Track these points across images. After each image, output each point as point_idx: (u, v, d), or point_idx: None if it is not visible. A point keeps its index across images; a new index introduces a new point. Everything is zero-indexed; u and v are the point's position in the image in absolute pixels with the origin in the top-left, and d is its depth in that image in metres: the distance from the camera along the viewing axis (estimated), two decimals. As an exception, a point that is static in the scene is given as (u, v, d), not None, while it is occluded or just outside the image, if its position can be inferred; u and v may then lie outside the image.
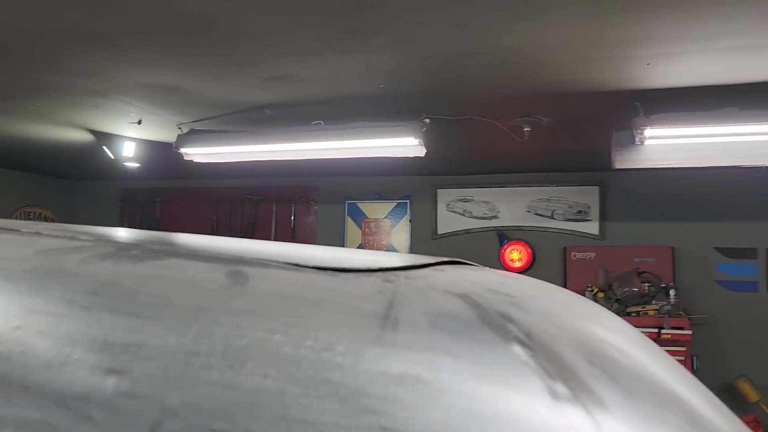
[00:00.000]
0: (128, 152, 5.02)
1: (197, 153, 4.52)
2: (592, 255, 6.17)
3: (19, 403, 0.47)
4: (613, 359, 0.57)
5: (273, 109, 3.95)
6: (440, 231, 6.67)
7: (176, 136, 4.44)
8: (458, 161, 5.90)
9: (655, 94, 3.41)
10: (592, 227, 6.28)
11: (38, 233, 0.69)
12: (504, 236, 6.45)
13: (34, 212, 7.57)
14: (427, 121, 3.96)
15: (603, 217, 6.25)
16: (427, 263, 0.78)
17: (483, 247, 6.45)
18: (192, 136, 4.41)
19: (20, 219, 7.27)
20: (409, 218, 6.78)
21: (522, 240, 6.39)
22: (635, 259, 5.96)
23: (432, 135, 4.15)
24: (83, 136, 5.05)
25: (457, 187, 6.61)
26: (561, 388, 0.49)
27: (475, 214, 6.58)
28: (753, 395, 5.33)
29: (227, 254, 0.67)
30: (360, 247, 6.85)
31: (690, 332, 5.26)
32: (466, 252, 6.25)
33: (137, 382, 0.48)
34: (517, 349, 0.52)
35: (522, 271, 6.30)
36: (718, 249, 5.86)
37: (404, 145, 4.02)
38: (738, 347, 5.66)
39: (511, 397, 0.48)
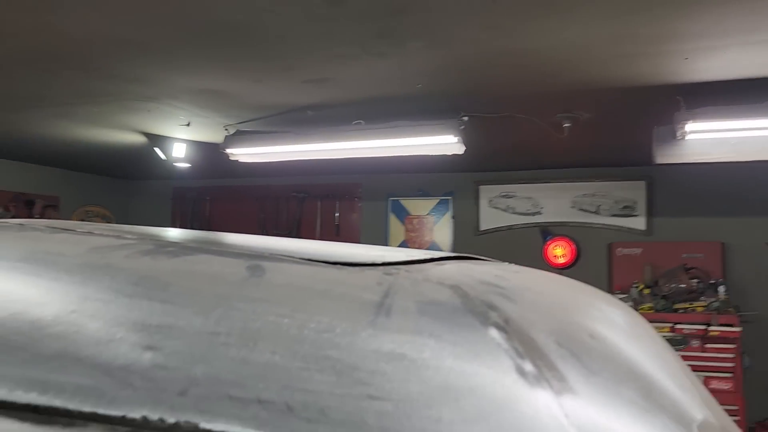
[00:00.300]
0: (178, 153, 5.24)
1: (243, 153, 4.68)
2: (639, 251, 6.09)
3: (74, 372, 0.58)
4: (584, 343, 0.64)
5: (314, 109, 4.07)
6: (483, 227, 6.69)
7: (223, 137, 4.61)
8: (500, 157, 5.91)
9: (696, 88, 3.38)
10: (638, 223, 6.19)
11: (90, 233, 0.80)
12: (547, 232, 6.43)
13: (93, 211, 7.94)
14: (466, 119, 4.01)
15: (650, 213, 6.16)
16: (432, 258, 0.86)
17: (526, 244, 6.44)
18: (238, 137, 4.58)
19: (81, 217, 7.64)
20: (451, 215, 6.83)
21: (566, 236, 6.36)
22: (683, 255, 5.85)
23: (471, 132, 4.20)
24: (137, 139, 5.29)
25: (500, 183, 6.61)
26: (528, 366, 0.57)
27: (518, 210, 6.57)
28: (807, 395, 5.18)
29: (250, 250, 0.76)
30: (403, 244, 6.93)
31: (739, 329, 5.14)
32: (509, 248, 6.25)
33: (168, 357, 0.58)
34: (494, 333, 0.60)
35: (566, 267, 6.26)
36: (770, 244, 5.70)
37: (443, 143, 4.08)
38: (791, 345, 5.51)
39: (483, 372, 0.56)
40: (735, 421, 0.76)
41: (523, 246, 6.41)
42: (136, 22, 2.73)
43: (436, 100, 3.81)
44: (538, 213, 6.51)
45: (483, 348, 0.58)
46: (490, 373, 0.56)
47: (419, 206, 6.94)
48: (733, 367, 5.11)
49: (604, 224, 6.28)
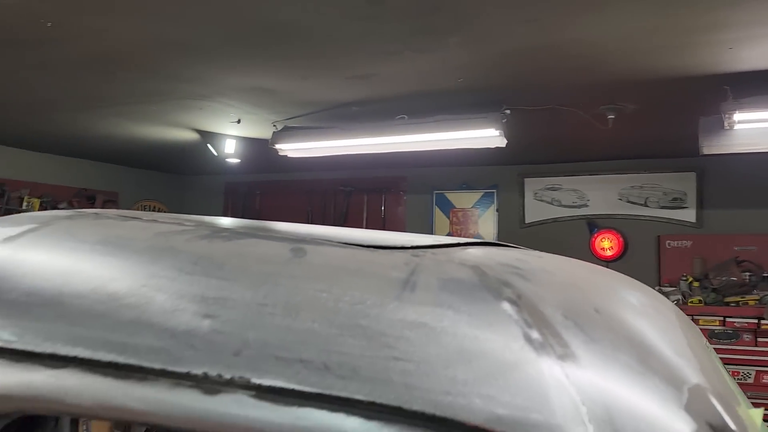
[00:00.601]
0: (229, 149, 5.43)
1: (291, 148, 4.83)
2: (688, 243, 5.98)
3: (146, 335, 0.68)
4: (588, 316, 0.71)
5: (358, 105, 4.17)
6: (528, 220, 6.68)
7: (271, 133, 4.77)
8: (545, 150, 5.90)
9: (743, 78, 3.33)
10: (688, 215, 6.08)
11: (155, 220, 0.91)
12: (594, 225, 6.38)
13: (149, 205, 8.27)
14: (508, 112, 4.04)
15: (700, 205, 6.04)
16: (459, 243, 0.94)
17: (572, 236, 6.41)
18: (286, 132, 4.72)
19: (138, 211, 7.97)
20: (496, 207, 6.84)
21: (613, 228, 6.29)
22: (735, 248, 5.73)
23: (514, 125, 4.23)
24: (190, 136, 5.51)
25: (545, 175, 6.59)
26: (535, 334, 0.64)
27: (563, 202, 6.54)
28: None
29: (293, 235, 0.86)
30: (449, 236, 6.99)
31: (794, 323, 5.02)
32: (554, 240, 6.23)
33: (224, 324, 0.68)
34: (506, 306, 0.68)
35: (613, 259, 6.21)
36: (828, 236, 5.52)
37: (485, 136, 4.12)
38: None
39: (494, 339, 0.64)
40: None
41: (569, 238, 6.38)
42: (189, 25, 2.87)
43: (477, 93, 3.86)
44: (585, 205, 6.46)
45: (495, 318, 0.66)
46: (500, 339, 0.64)
47: (464, 199, 6.98)
48: (786, 361, 5.00)
49: (652, 216, 6.20)
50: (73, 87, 4.05)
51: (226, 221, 0.98)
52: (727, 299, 5.34)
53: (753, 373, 5.04)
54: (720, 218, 5.93)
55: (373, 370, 0.63)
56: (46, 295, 0.74)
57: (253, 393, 0.64)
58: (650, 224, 6.19)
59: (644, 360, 0.65)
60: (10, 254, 0.81)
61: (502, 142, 4.17)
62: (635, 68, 3.32)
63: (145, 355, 0.67)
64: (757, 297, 5.26)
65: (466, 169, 6.86)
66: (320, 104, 4.26)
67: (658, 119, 4.45)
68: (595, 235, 6.33)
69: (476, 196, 6.93)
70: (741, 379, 4.99)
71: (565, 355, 0.63)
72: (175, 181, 8.67)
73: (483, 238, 6.81)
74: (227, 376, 0.65)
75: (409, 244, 0.85)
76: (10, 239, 0.83)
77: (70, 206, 7.05)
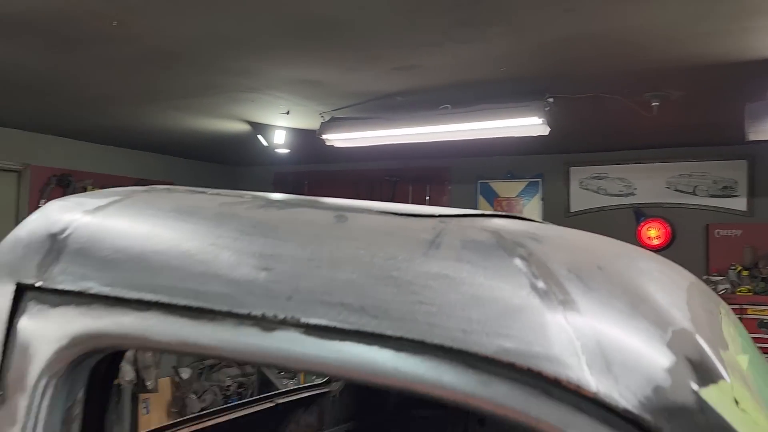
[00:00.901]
0: (279, 140, 5.62)
1: (338, 138, 4.98)
2: (738, 232, 5.88)
3: (215, 284, 0.82)
4: (590, 271, 0.81)
5: (403, 96, 4.28)
6: (573, 209, 6.67)
7: (319, 123, 4.93)
8: (591, 138, 5.89)
9: (790, 62, 3.30)
10: (738, 203, 5.98)
11: (218, 194, 1.06)
12: (641, 213, 6.33)
13: (203, 196, 8.57)
14: (551, 100, 4.09)
15: (752, 193, 5.93)
16: (485, 214, 1.05)
17: (618, 225, 6.37)
18: (333, 123, 4.87)
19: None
20: (541, 196, 6.85)
21: (660, 217, 6.24)
22: (788, 237, 5.61)
23: (558, 113, 4.26)
24: (242, 127, 5.72)
25: (591, 164, 6.57)
26: (540, 284, 0.75)
27: (609, 191, 6.51)
28: None
29: (338, 206, 0.98)
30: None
31: None
32: (600, 229, 6.15)
33: (278, 275, 0.81)
34: (517, 261, 0.79)
35: (660, 248, 6.15)
36: None
37: (528, 124, 4.18)
38: None
39: (505, 287, 0.75)
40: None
41: (614, 227, 6.35)
42: (242, 21, 3.04)
43: (520, 82, 3.92)
44: (631, 194, 6.42)
45: (507, 271, 0.77)
46: (510, 288, 0.75)
47: (508, 188, 7.02)
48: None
49: (701, 205, 6.11)
50: (134, 82, 4.30)
51: (279, 195, 1.11)
52: (779, 289, 5.25)
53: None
54: (773, 207, 5.81)
55: (401, 311, 0.75)
56: (132, 253, 0.89)
57: (303, 330, 0.77)
58: (699, 213, 6.11)
59: (636, 307, 0.76)
60: (100, 220, 0.96)
61: (545, 130, 4.22)
62: (680, 54, 3.32)
63: (213, 300, 0.81)
64: (810, 287, 5.16)
65: (511, 158, 6.89)
66: (366, 95, 4.39)
67: (704, 106, 4.41)
68: (642, 223, 6.28)
69: (521, 185, 6.95)
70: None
71: (565, 300, 0.73)
72: (227, 172, 8.96)
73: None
74: (281, 316, 0.78)
75: (437, 213, 0.96)
76: (99, 208, 0.99)
77: (130, 196, 7.39)
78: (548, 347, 0.69)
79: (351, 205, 1.00)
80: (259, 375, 6.69)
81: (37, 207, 1.02)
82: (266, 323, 0.79)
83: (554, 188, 6.77)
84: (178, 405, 6.73)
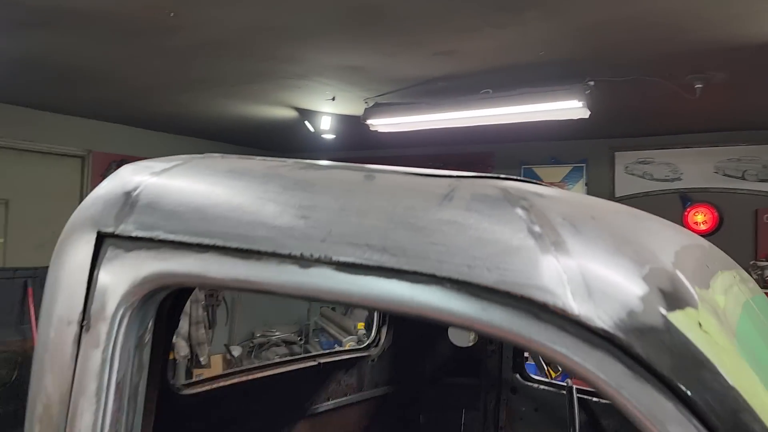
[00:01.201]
0: (325, 125, 5.80)
1: (381, 123, 5.12)
2: (789, 218, 5.77)
3: (261, 230, 0.97)
4: (584, 220, 0.93)
5: (444, 80, 4.38)
6: (618, 194, 6.64)
7: (363, 109, 5.08)
8: (635, 123, 5.86)
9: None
10: (790, 188, 5.86)
11: (265, 159, 1.21)
12: (687, 198, 6.26)
13: (252, 181, 8.86)
14: (591, 83, 4.12)
15: (804, 178, 5.80)
16: (500, 176, 1.18)
17: (663, 210, 6.29)
18: (376, 108, 5.01)
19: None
20: (585, 182, 6.84)
21: (707, 202, 6.16)
22: (842, 223, 5.48)
23: (599, 97, 4.29)
24: (289, 113, 5.93)
25: (637, 149, 6.52)
26: (536, 228, 0.88)
27: (655, 176, 6.45)
28: None
29: (367, 168, 1.12)
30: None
31: None
32: (645, 214, 6.17)
33: (314, 222, 0.96)
34: (518, 210, 0.91)
35: (707, 233, 6.08)
36: None
37: (568, 107, 4.22)
38: None
39: (505, 231, 0.88)
40: None
41: (660, 212, 6.17)
42: (289, 10, 3.21)
43: (560, 66, 3.97)
44: (678, 179, 6.35)
45: (508, 218, 0.90)
46: (509, 231, 0.88)
47: (552, 174, 7.03)
48: None
49: (750, 190, 6.01)
50: (188, 71, 4.53)
51: (317, 161, 1.26)
52: (830, 275, 5.15)
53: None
54: (826, 192, 5.68)
55: (416, 250, 0.88)
56: (192, 206, 1.05)
57: (334, 267, 0.92)
58: (747, 198, 6.01)
59: (620, 248, 0.87)
60: (165, 180, 1.13)
61: (585, 114, 4.25)
62: (718, 36, 3.32)
63: (260, 243, 0.97)
64: None
65: (555, 143, 6.90)
66: (408, 80, 4.51)
67: (750, 88, 4.36)
68: (689, 209, 6.22)
69: (565, 170, 6.96)
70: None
71: (556, 242, 0.86)
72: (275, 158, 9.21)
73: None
74: (316, 255, 0.93)
75: (455, 174, 1.09)
76: (165, 170, 1.15)
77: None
78: (539, 279, 0.82)
79: (379, 168, 1.14)
80: (305, 353, 6.92)
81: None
82: (303, 261, 0.94)
83: (599, 173, 6.76)
84: (229, 381, 7.02)
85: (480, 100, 4.47)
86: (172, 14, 3.26)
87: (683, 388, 0.75)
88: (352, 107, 5.43)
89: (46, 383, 1.10)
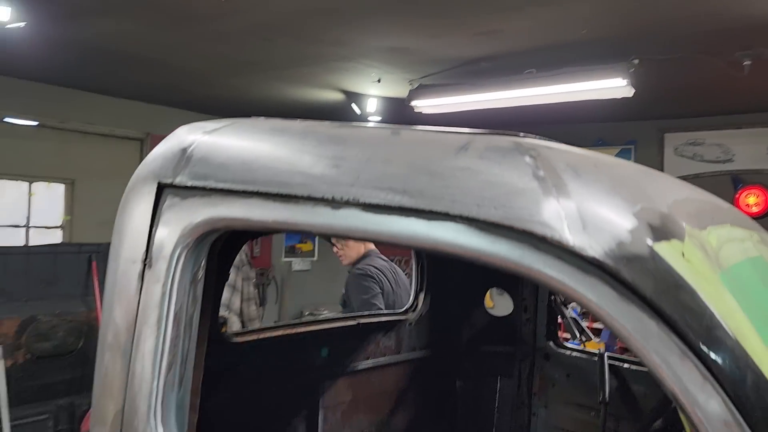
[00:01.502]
0: (371, 108, 5.92)
1: (425, 105, 5.20)
2: None
3: (299, 177, 1.10)
4: (585, 166, 1.02)
5: (487, 61, 4.44)
6: (667, 176, 6.54)
7: (408, 91, 5.17)
8: (685, 103, 5.76)
9: None
10: None
11: (303, 121, 1.34)
12: (739, 180, 6.13)
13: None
14: (636, 62, 4.11)
15: None
16: (518, 134, 1.27)
17: (715, 192, 6.14)
18: (421, 90, 5.10)
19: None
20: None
21: (761, 184, 6.02)
22: None
23: (646, 76, 4.26)
24: (336, 96, 6.07)
25: (687, 130, 6.41)
26: (541, 173, 0.98)
27: (706, 157, 6.33)
28: None
29: (395, 126, 1.24)
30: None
31: None
32: (694, 197, 6.07)
33: (344, 169, 1.08)
34: (527, 158, 1.01)
35: (759, 216, 5.95)
36: None
37: (612, 86, 4.22)
38: None
39: (512, 174, 0.98)
40: None
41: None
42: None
43: (603, 44, 3.97)
44: (729, 160, 6.22)
45: (516, 165, 1.00)
46: (516, 175, 0.98)
47: (599, 156, 6.96)
48: None
49: (806, 172, 5.84)
50: (239, 55, 4.72)
51: (350, 122, 1.39)
52: None
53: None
54: None
55: (432, 192, 1.00)
56: (239, 158, 1.19)
57: (361, 208, 1.04)
58: (804, 180, 5.85)
59: (616, 189, 0.97)
60: (216, 138, 1.27)
61: (629, 92, 4.24)
62: (765, 11, 3.28)
63: (297, 188, 1.10)
64: None
65: (602, 125, 6.83)
66: (452, 61, 4.58)
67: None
68: (740, 190, 6.09)
69: (612, 152, 6.88)
70: None
71: (557, 184, 0.95)
72: (324, 143, 9.41)
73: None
74: (345, 198, 1.05)
75: (475, 131, 1.20)
76: (215, 129, 1.30)
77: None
78: (540, 215, 0.92)
79: (405, 126, 1.25)
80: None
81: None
82: (335, 203, 1.06)
83: (647, 155, 6.66)
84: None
85: (523, 80, 4.50)
86: (224, 0, 3.44)
87: (663, 307, 0.84)
88: (397, 89, 5.53)
89: (115, 315, 1.27)
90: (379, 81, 5.31)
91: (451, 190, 0.99)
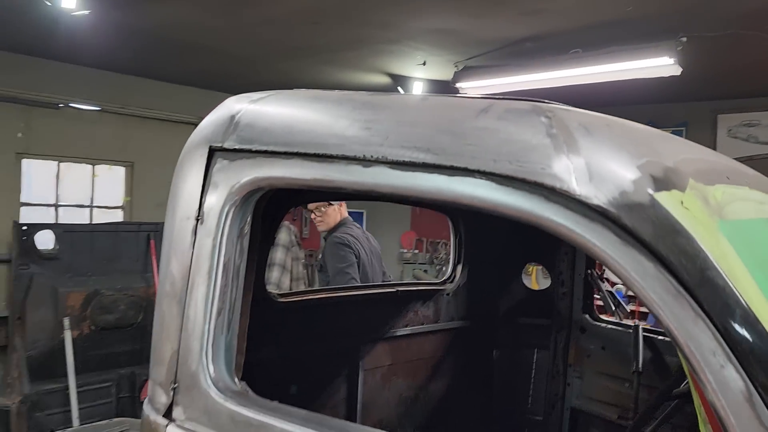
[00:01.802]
0: (416, 91, 6.00)
1: (471, 87, 5.24)
2: None
3: (334, 138, 1.21)
4: (599, 126, 1.10)
5: (532, 41, 4.45)
6: (720, 158, 6.40)
7: (453, 73, 5.22)
8: (740, 83, 5.62)
9: None
10: None
11: (341, 91, 1.45)
12: (796, 163, 5.94)
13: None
14: (684, 39, 4.05)
15: None
16: (542, 100, 1.35)
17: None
18: (466, 72, 5.15)
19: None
20: (684, 146, 6.63)
21: (819, 167, 5.82)
22: None
23: (696, 55, 4.19)
24: (382, 80, 6.17)
25: (742, 111, 6.24)
26: (554, 131, 1.06)
27: (761, 139, 6.16)
28: None
29: (425, 94, 1.33)
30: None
31: None
32: (748, 179, 5.92)
33: (375, 131, 1.18)
34: (542, 119, 1.10)
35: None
36: None
37: (659, 65, 4.18)
38: None
39: (528, 132, 1.07)
40: None
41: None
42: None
43: (649, 21, 3.93)
44: (786, 142, 6.04)
45: (532, 124, 1.08)
46: (531, 134, 1.06)
47: (649, 138, 6.85)
48: None
49: None
50: (288, 39, 4.86)
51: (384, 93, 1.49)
52: None
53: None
54: None
55: (453, 150, 1.09)
56: (281, 123, 1.31)
57: (389, 165, 1.14)
58: None
59: (623, 145, 1.04)
60: (260, 106, 1.39)
61: (676, 71, 4.19)
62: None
63: (332, 149, 1.21)
64: None
65: (652, 106, 6.71)
66: (496, 42, 4.61)
67: None
68: (797, 174, 5.90)
69: (663, 134, 6.76)
70: None
71: (568, 140, 1.03)
72: (371, 127, 9.53)
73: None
74: (376, 156, 1.15)
75: (498, 96, 1.28)
76: (260, 99, 1.42)
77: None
78: (550, 168, 1.01)
79: (434, 94, 1.35)
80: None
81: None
82: (365, 162, 1.17)
83: (699, 137, 6.50)
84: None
85: (568, 60, 4.50)
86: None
87: (661, 250, 0.91)
88: (442, 72, 5.58)
89: (172, 266, 1.41)
90: (424, 63, 5.37)
91: (470, 148, 1.08)
